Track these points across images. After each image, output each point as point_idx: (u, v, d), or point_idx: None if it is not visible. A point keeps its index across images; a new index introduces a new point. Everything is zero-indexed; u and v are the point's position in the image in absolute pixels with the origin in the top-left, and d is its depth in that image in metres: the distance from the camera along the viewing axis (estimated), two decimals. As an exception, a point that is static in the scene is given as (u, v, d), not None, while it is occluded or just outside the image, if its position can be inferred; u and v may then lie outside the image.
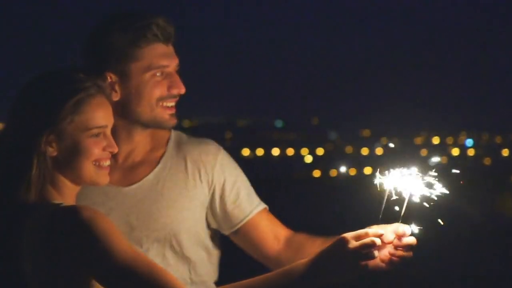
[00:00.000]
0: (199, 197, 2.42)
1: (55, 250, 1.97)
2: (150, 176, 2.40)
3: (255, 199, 2.50)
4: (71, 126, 2.08)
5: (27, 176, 2.05)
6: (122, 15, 2.33)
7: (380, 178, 2.02)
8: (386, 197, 2.02)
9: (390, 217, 2.03)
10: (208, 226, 2.47)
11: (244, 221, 2.46)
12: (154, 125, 2.37)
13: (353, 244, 1.92)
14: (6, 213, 2.07)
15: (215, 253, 2.50)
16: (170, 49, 2.37)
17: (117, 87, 2.31)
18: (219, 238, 2.52)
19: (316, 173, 37.28)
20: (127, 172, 2.41)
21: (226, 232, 2.48)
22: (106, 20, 2.33)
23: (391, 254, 2.01)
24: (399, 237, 2.01)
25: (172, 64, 2.36)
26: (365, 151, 42.88)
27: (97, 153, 2.12)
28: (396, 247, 2.01)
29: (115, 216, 2.33)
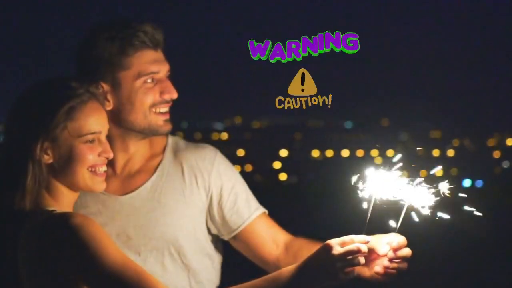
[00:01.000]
0: (197, 204, 2.41)
1: (46, 255, 2.00)
2: (147, 184, 2.39)
3: (254, 204, 2.48)
4: (65, 133, 2.11)
5: (22, 183, 2.08)
6: (107, 25, 2.33)
7: (363, 184, 2.01)
8: (371, 205, 1.99)
9: (377, 228, 2.01)
10: (209, 231, 2.46)
11: (242, 226, 2.44)
12: (149, 132, 2.36)
13: (338, 250, 1.92)
14: (2, 220, 2.11)
15: (217, 259, 2.49)
16: (159, 55, 2.36)
17: (109, 97, 2.31)
18: (221, 243, 2.51)
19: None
20: (125, 181, 2.40)
21: (226, 237, 2.47)
22: (92, 31, 2.33)
23: (386, 267, 2.02)
24: (394, 249, 2.01)
25: (162, 69, 2.35)
26: (436, 152, 42.26)
27: (92, 159, 2.14)
28: (390, 260, 2.01)
29: (113, 225, 2.34)
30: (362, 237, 1.95)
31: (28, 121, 2.11)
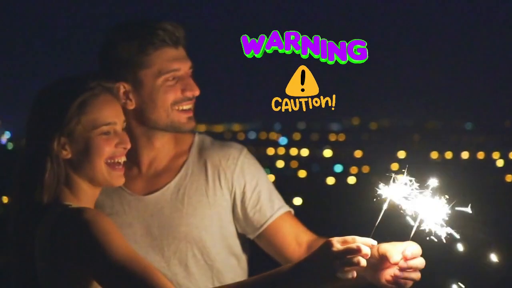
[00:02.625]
0: (220, 203, 2.40)
1: (58, 248, 2.06)
2: (171, 183, 2.40)
3: (277, 202, 2.45)
4: (80, 127, 2.16)
5: (41, 179, 2.14)
6: (127, 25, 2.35)
7: (382, 188, 1.96)
8: (383, 210, 1.95)
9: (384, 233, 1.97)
10: (236, 231, 2.45)
11: (265, 225, 2.41)
12: (172, 130, 2.36)
13: (337, 247, 1.88)
14: (23, 215, 2.16)
15: (244, 258, 2.48)
16: (180, 52, 2.35)
17: (131, 96, 2.33)
18: (248, 243, 2.50)
19: (508, 178, 35.79)
20: (150, 180, 2.41)
21: (251, 236, 2.46)
22: (112, 31, 2.35)
23: (396, 276, 1.97)
24: (406, 258, 1.96)
25: (183, 67, 2.35)
26: None
27: (109, 151, 2.18)
28: (402, 269, 1.96)
29: (138, 225, 2.36)
30: (366, 239, 1.91)
31: (44, 118, 2.17)
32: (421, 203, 1.95)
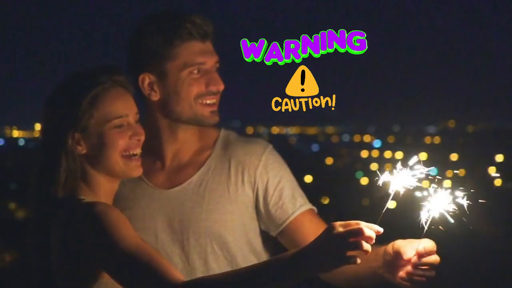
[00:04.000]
0: (242, 199, 2.37)
1: (71, 242, 2.07)
2: (194, 178, 2.38)
3: (300, 200, 2.40)
4: (92, 122, 2.17)
5: (57, 175, 2.16)
6: (156, 16, 2.35)
7: (386, 177, 1.92)
8: (390, 198, 1.91)
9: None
10: (259, 228, 2.42)
11: (287, 222, 2.37)
12: (195, 123, 2.35)
13: (339, 230, 1.82)
14: (40, 211, 2.19)
15: (264, 257, 2.43)
16: (207, 46, 2.34)
17: (156, 87, 2.33)
18: (271, 242, 2.46)
19: None
20: (173, 174, 2.40)
21: (273, 233, 2.41)
22: (141, 22, 2.35)
23: (410, 273, 1.94)
24: (419, 254, 1.92)
25: (209, 61, 2.33)
26: None
27: (123, 143, 2.18)
28: (415, 265, 1.93)
29: (159, 218, 2.35)
30: (371, 225, 1.85)
31: (57, 115, 2.19)
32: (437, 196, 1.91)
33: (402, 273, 1.97)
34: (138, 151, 2.22)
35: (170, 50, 2.31)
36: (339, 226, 1.82)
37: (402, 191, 1.92)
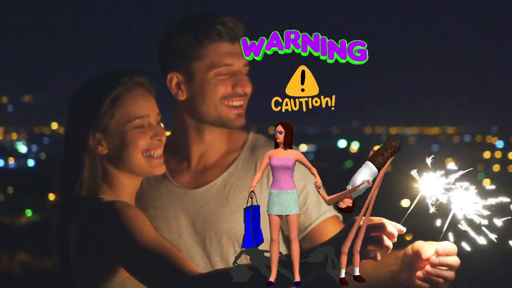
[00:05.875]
0: (265, 203, 2.25)
1: (90, 238, 2.12)
2: (219, 179, 2.39)
3: (324, 206, 2.38)
4: (113, 122, 2.20)
5: (79, 175, 2.20)
6: (187, 17, 2.37)
7: (420, 181, 1.87)
8: (415, 202, 1.85)
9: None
10: (282, 233, 2.36)
11: (310, 227, 2.36)
12: (220, 124, 2.35)
13: (361, 223, 1.78)
14: (64, 211, 2.24)
15: None
16: (236, 48, 2.34)
17: (183, 87, 2.35)
18: None
19: None
20: (199, 175, 2.41)
21: None
22: (172, 23, 2.38)
23: (427, 272, 1.89)
24: (438, 254, 1.88)
25: (237, 63, 2.34)
26: None
27: (144, 144, 2.20)
28: (433, 265, 1.88)
29: (183, 218, 2.36)
30: (394, 223, 1.83)
31: (79, 116, 2.24)
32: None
33: (420, 273, 1.92)
34: (159, 151, 2.24)
35: (199, 50, 2.32)
36: (362, 220, 1.79)
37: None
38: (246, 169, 2.40)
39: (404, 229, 1.83)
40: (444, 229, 1.87)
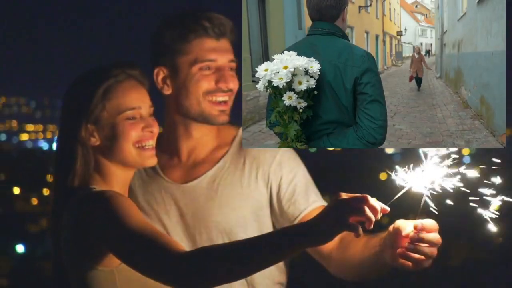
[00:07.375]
0: (254, 196, 2.39)
1: (81, 227, 2.15)
2: (208, 173, 2.41)
3: (313, 196, 2.41)
4: (105, 113, 2.24)
5: (73, 166, 2.25)
6: (175, 14, 2.40)
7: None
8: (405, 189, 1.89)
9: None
10: (273, 225, 2.43)
11: (299, 218, 2.38)
12: (202, 120, 2.37)
13: (343, 196, 1.84)
14: (58, 202, 2.28)
15: None
16: (221, 44, 2.36)
17: (168, 82, 2.38)
18: None
19: None
20: (189, 169, 2.43)
21: None
22: (162, 19, 2.41)
23: (407, 248, 1.90)
24: (417, 230, 1.90)
25: (221, 58, 2.35)
26: None
27: (136, 135, 2.24)
28: (412, 240, 1.90)
29: (172, 213, 2.39)
30: (378, 201, 1.84)
31: (72, 108, 2.27)
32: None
33: (400, 250, 1.92)
34: (151, 142, 2.27)
35: (184, 45, 2.35)
36: (344, 195, 1.84)
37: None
38: (236, 163, 2.42)
39: (388, 209, 1.85)
40: (421, 205, 1.90)
